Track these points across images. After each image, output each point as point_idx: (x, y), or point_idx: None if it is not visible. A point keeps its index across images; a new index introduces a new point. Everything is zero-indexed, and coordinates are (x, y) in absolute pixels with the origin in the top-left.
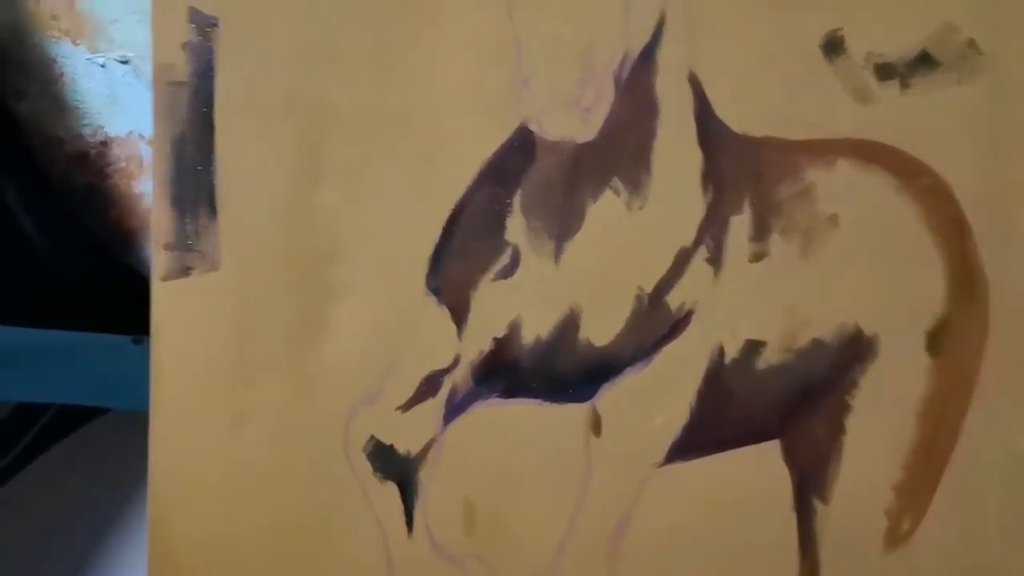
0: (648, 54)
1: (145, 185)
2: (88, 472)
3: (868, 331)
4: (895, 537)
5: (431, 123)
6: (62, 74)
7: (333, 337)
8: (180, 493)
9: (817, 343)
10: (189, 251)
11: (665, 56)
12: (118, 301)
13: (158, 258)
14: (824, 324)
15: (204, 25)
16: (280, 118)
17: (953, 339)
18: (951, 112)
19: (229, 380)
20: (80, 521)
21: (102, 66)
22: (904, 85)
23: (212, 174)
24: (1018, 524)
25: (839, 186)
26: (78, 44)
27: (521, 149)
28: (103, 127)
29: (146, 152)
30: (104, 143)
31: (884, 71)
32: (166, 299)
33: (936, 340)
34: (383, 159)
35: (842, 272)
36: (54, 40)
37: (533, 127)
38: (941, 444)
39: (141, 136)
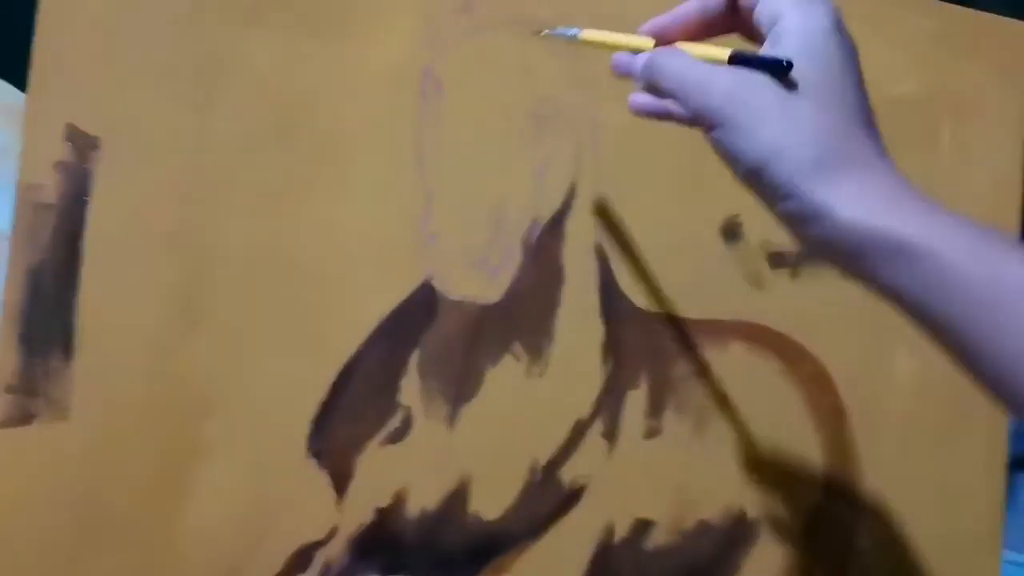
0: (557, 222)
1: None
2: None
3: (751, 514)
4: None
5: (327, 272)
6: None
7: (196, 501)
8: None
9: (704, 524)
10: (34, 396)
11: (573, 226)
12: None
13: None
14: (712, 505)
15: (83, 145)
16: (159, 255)
17: (827, 524)
18: (834, 302)
19: (68, 549)
20: None
21: None
22: (794, 274)
23: (72, 311)
24: None
25: (731, 367)
26: None
27: (422, 306)
28: None
29: None
30: None
31: (776, 259)
32: (1, 449)
33: (811, 526)
34: (270, 308)
35: (730, 453)
36: None
37: (436, 284)
38: None
39: None
